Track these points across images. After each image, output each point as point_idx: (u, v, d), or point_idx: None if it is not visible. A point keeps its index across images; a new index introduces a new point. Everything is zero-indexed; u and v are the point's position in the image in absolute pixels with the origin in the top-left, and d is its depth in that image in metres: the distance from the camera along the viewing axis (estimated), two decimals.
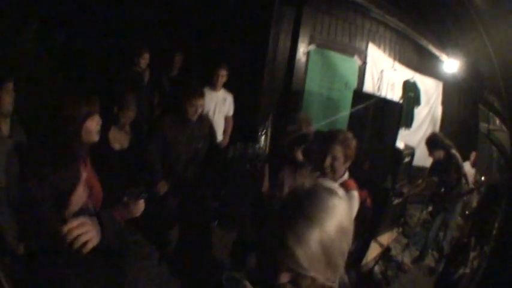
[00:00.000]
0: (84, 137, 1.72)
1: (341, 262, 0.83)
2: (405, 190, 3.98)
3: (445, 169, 3.70)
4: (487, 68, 4.81)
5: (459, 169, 3.70)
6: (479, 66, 4.72)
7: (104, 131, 2.32)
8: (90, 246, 1.10)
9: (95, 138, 1.78)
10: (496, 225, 3.13)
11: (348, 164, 2.00)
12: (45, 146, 1.17)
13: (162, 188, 2.77)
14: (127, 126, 2.59)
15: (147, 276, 2.99)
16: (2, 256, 1.86)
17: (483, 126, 4.73)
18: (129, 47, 3.74)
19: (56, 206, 1.03)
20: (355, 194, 1.95)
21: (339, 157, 1.94)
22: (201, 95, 2.65)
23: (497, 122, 4.45)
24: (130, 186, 2.34)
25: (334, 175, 1.97)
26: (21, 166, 1.80)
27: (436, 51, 4.87)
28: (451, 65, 4.56)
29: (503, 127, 4.31)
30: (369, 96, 3.74)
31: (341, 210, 0.81)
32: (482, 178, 4.35)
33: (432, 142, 3.70)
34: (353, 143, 1.99)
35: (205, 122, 2.87)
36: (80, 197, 1.54)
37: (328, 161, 1.94)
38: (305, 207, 0.78)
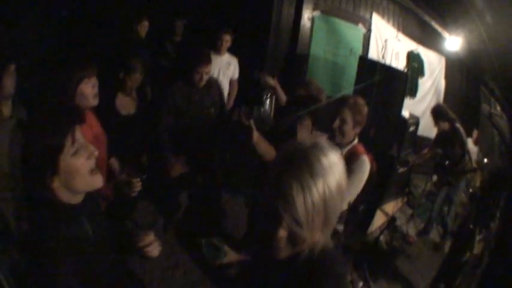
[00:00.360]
0: (80, 100, 1.71)
1: (334, 221, 0.85)
2: (410, 159, 3.95)
3: (449, 142, 3.69)
4: (484, 52, 4.85)
5: (463, 144, 3.69)
6: (477, 50, 4.72)
7: (111, 97, 2.37)
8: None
9: (92, 102, 1.76)
10: (499, 211, 3.16)
11: (357, 130, 2.00)
12: (43, 114, 1.10)
13: (175, 168, 2.75)
14: (133, 92, 2.54)
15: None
16: (4, 245, 1.81)
17: (485, 107, 4.71)
18: (128, 15, 3.67)
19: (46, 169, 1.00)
20: (366, 158, 1.95)
21: (348, 121, 1.94)
22: (208, 62, 2.60)
23: (498, 108, 4.43)
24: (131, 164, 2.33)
25: (343, 139, 1.97)
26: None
27: (438, 28, 4.86)
28: (453, 42, 4.54)
29: (504, 115, 4.31)
30: (375, 63, 3.70)
31: (340, 167, 0.82)
32: (485, 160, 4.32)
33: (438, 112, 3.68)
34: (364, 109, 1.99)
35: (214, 87, 2.81)
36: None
37: (336, 123, 1.94)
38: (311, 158, 0.79)
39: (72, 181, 1.04)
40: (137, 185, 1.65)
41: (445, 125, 3.64)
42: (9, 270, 1.70)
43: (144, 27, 3.60)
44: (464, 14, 4.60)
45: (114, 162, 2.30)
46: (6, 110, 1.99)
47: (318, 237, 0.82)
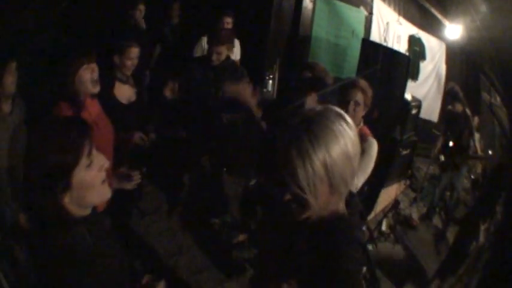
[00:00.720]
0: (79, 87, 1.69)
1: (343, 189, 0.85)
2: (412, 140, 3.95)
3: (459, 125, 3.69)
4: (482, 41, 4.86)
5: (472, 129, 3.70)
6: (476, 39, 4.73)
7: (110, 87, 2.30)
8: None
9: (92, 89, 1.74)
10: (501, 202, 3.17)
11: (364, 112, 2.01)
12: (51, 127, 1.03)
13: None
14: (130, 79, 2.47)
15: (156, 231, 2.93)
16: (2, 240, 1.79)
17: (485, 96, 4.71)
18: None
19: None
20: (374, 140, 1.97)
21: (361, 103, 1.94)
22: (223, 43, 2.59)
23: (498, 98, 4.43)
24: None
25: (355, 121, 1.94)
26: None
27: (438, 15, 4.85)
28: (453, 30, 4.54)
29: (503, 106, 4.32)
30: (378, 46, 3.69)
31: (349, 135, 0.81)
32: (490, 152, 4.30)
33: (454, 93, 3.70)
34: (370, 91, 1.99)
35: (231, 69, 2.76)
36: None
37: (351, 106, 1.93)
38: (313, 127, 0.79)
39: (84, 195, 0.99)
40: (136, 178, 1.63)
41: (459, 107, 3.64)
42: (10, 267, 1.68)
43: (140, 12, 3.55)
44: (463, 2, 4.63)
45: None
46: (7, 107, 1.95)
47: (324, 203, 0.83)
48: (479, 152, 3.92)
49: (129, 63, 2.34)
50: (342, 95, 2.00)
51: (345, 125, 0.81)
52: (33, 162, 0.94)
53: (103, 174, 1.03)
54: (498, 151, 4.17)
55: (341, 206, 0.91)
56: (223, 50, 2.57)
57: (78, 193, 0.97)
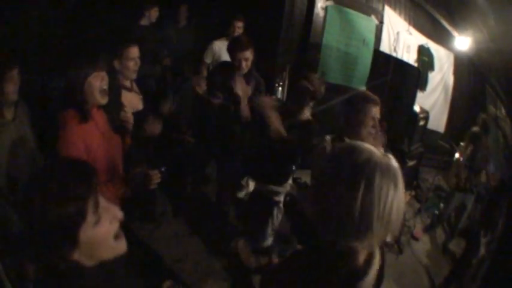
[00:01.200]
0: (87, 95, 1.63)
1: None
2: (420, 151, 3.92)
3: (477, 144, 3.61)
4: (489, 53, 4.86)
5: (488, 149, 3.64)
6: (484, 51, 4.72)
7: (118, 95, 2.16)
8: None
9: (100, 99, 1.66)
10: (502, 215, 3.15)
11: None
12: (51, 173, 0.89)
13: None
14: (135, 86, 2.35)
15: (161, 236, 2.90)
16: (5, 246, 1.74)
17: (491, 109, 4.70)
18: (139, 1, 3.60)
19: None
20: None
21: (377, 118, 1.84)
22: (242, 49, 2.49)
23: (503, 111, 4.42)
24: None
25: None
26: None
27: (447, 26, 4.85)
28: (462, 42, 4.53)
29: (508, 119, 4.31)
30: (389, 57, 3.68)
31: None
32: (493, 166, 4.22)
33: (486, 127, 3.63)
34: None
35: (253, 80, 2.67)
36: None
37: (375, 124, 1.81)
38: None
39: (95, 251, 0.88)
40: (156, 177, 1.60)
41: (479, 121, 3.58)
42: (17, 276, 1.64)
43: (154, 13, 3.54)
44: (471, 15, 4.61)
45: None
46: (9, 114, 1.88)
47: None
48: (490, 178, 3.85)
49: (131, 64, 2.18)
50: (361, 113, 1.88)
51: None
52: (33, 216, 0.81)
53: (116, 226, 0.91)
54: (501, 162, 4.17)
55: None
56: (249, 56, 2.47)
57: (88, 250, 0.85)
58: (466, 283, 3.13)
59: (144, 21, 3.51)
